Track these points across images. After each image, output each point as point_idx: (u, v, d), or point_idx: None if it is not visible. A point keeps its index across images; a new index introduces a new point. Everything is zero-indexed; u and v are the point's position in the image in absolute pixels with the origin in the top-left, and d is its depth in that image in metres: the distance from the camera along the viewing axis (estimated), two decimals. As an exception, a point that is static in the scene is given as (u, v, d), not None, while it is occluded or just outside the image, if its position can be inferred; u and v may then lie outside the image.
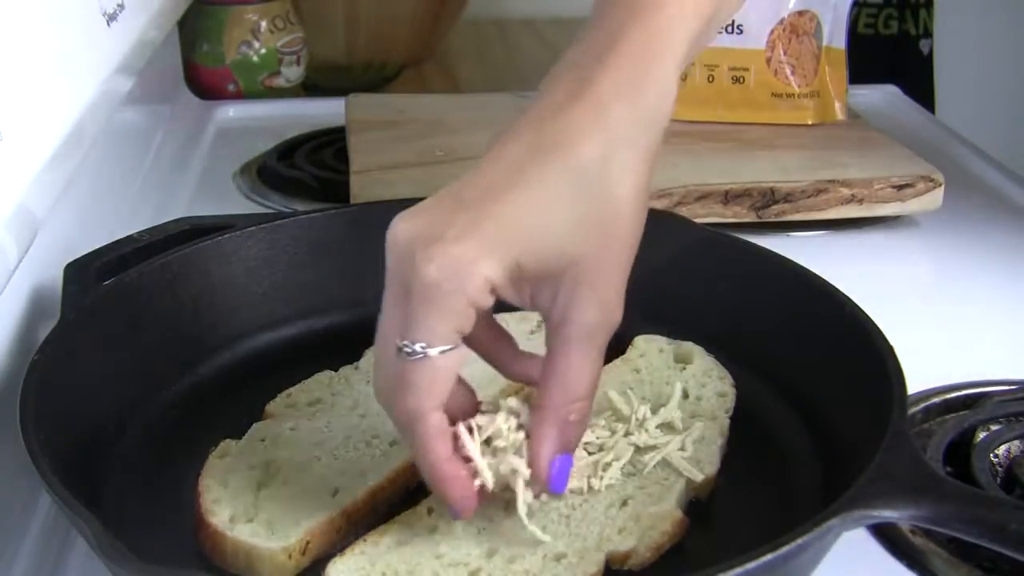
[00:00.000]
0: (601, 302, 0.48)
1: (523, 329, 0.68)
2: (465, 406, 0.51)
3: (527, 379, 0.52)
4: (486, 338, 0.51)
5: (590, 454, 0.56)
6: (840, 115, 1.00)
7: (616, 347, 0.66)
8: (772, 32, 0.97)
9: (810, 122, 0.99)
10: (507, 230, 0.46)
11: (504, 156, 0.47)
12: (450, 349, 0.47)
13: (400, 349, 0.46)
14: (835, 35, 0.99)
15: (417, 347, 0.46)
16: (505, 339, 0.53)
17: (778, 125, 0.98)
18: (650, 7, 0.48)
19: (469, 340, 0.50)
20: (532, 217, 0.46)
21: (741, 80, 0.98)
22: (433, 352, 0.46)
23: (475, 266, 0.45)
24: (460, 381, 0.50)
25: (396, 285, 0.47)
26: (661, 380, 0.63)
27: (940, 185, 0.88)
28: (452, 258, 0.45)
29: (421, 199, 0.78)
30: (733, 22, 0.96)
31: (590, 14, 0.50)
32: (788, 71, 0.98)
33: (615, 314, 0.48)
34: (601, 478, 0.55)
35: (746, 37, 0.96)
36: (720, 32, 0.92)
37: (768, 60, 0.98)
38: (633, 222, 0.48)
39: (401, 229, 0.47)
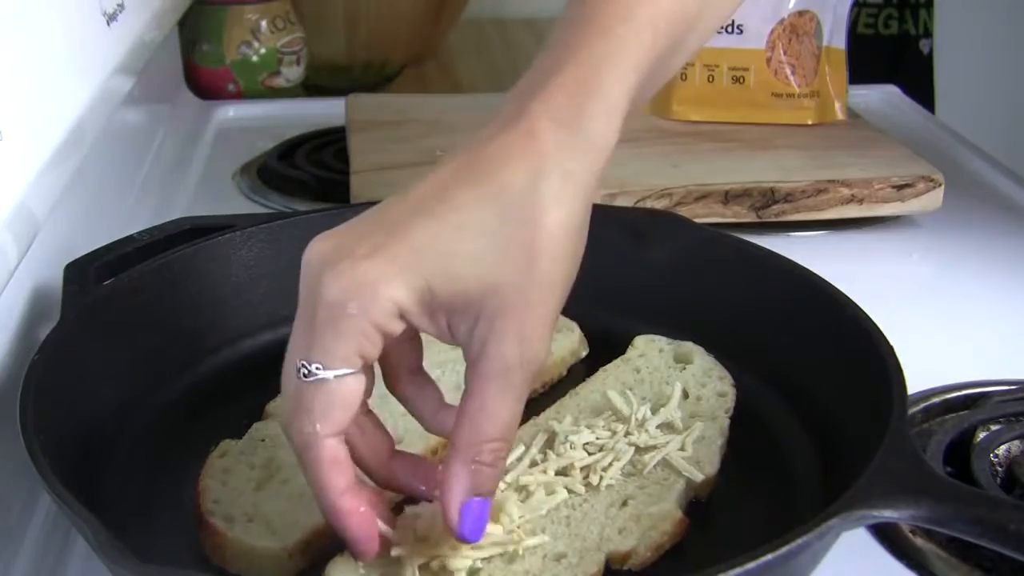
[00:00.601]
0: (521, 337, 0.44)
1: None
2: (379, 450, 0.49)
3: (447, 433, 0.48)
4: (410, 388, 0.49)
5: (590, 454, 0.56)
6: (840, 115, 1.00)
7: (616, 347, 0.66)
8: (772, 32, 0.97)
9: (810, 122, 0.99)
10: (419, 252, 0.44)
11: (431, 180, 0.45)
12: (349, 373, 0.44)
13: (299, 370, 0.44)
14: (835, 35, 0.99)
15: (314, 368, 0.44)
16: (430, 391, 0.50)
17: (778, 125, 0.98)
18: (597, 32, 0.47)
19: (393, 388, 0.48)
20: (448, 241, 0.44)
21: (741, 80, 0.98)
22: (329, 375, 0.44)
23: (381, 287, 0.43)
24: (377, 424, 0.49)
25: (305, 304, 0.45)
26: (661, 380, 0.63)
27: (940, 185, 0.88)
28: (358, 277, 0.43)
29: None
30: (733, 22, 0.96)
31: (548, 37, 0.49)
32: (788, 71, 0.98)
33: (537, 351, 0.45)
34: (601, 478, 0.55)
35: (746, 37, 0.96)
36: (720, 32, 0.92)
37: (768, 60, 0.98)
38: (562, 254, 0.45)
39: (315, 248, 0.45)
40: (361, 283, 0.43)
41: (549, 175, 0.44)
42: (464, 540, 0.46)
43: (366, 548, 0.47)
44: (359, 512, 0.46)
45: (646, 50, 0.47)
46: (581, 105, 0.46)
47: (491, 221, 0.44)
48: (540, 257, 0.44)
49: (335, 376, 0.44)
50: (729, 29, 0.96)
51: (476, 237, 0.44)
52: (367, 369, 0.46)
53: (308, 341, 0.44)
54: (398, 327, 0.45)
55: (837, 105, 1.00)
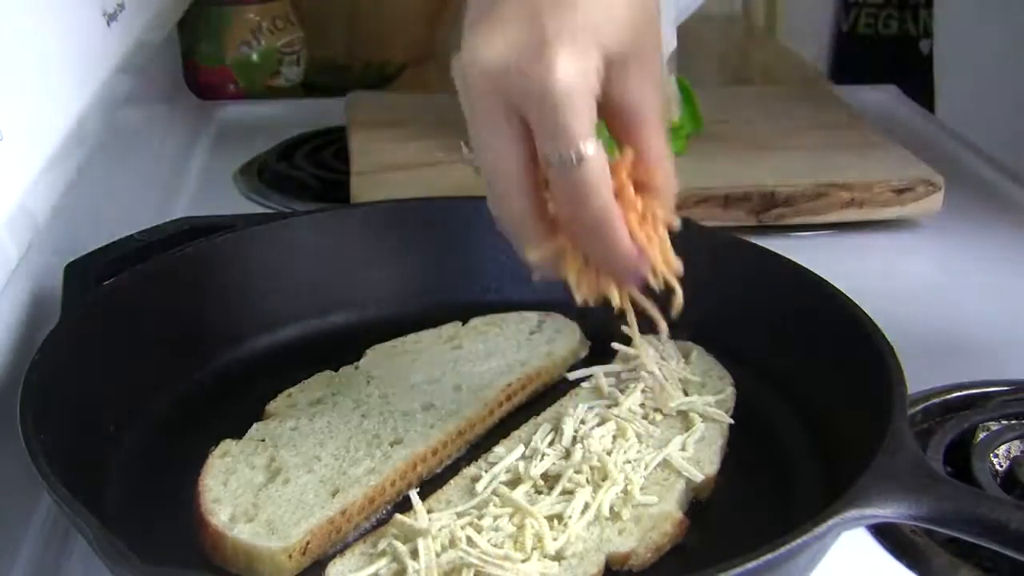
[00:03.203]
0: (657, 83, 0.51)
1: (523, 329, 0.68)
2: None
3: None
4: None
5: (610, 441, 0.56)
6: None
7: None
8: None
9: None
10: (595, 27, 0.47)
11: None
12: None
13: (563, 162, 0.47)
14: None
15: (580, 149, 0.47)
16: None
17: (779, 125, 0.98)
18: None
19: None
20: (608, 15, 0.48)
21: None
22: (595, 148, 0.47)
23: (588, 62, 0.47)
24: None
25: (501, 107, 0.47)
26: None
27: (940, 189, 0.88)
28: (570, 59, 0.46)
29: (422, 199, 0.78)
30: None
31: None
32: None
33: (662, 94, 0.52)
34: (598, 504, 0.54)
35: None
36: None
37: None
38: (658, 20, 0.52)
39: (486, 54, 0.47)
40: (575, 64, 0.46)
41: None
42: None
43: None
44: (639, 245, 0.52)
45: None
46: None
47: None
48: (653, 21, 0.51)
49: (599, 148, 0.48)
50: None
51: (621, 9, 0.49)
52: None
53: (547, 133, 0.47)
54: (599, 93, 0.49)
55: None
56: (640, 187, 0.52)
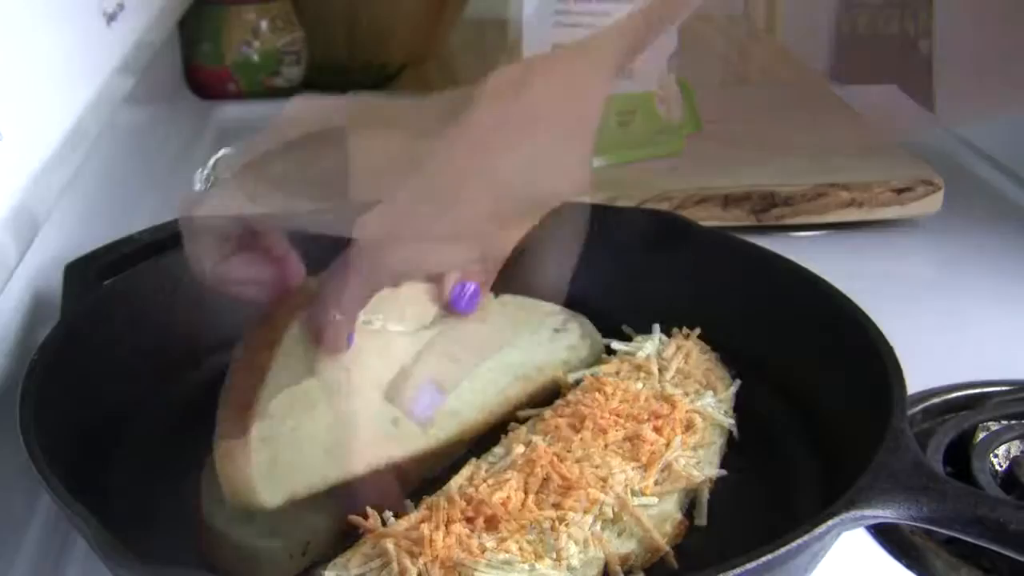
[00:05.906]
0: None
1: (542, 331, 0.67)
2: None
3: None
4: None
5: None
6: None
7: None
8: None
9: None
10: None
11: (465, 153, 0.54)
12: None
13: None
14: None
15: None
16: None
17: (778, 125, 0.98)
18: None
19: None
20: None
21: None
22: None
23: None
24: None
25: None
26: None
27: (940, 189, 0.88)
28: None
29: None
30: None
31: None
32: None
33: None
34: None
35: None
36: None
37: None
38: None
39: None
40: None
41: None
42: None
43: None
44: None
45: (635, 30, 0.55)
46: (581, 87, 0.54)
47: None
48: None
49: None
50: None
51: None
52: None
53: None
54: None
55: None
56: None
